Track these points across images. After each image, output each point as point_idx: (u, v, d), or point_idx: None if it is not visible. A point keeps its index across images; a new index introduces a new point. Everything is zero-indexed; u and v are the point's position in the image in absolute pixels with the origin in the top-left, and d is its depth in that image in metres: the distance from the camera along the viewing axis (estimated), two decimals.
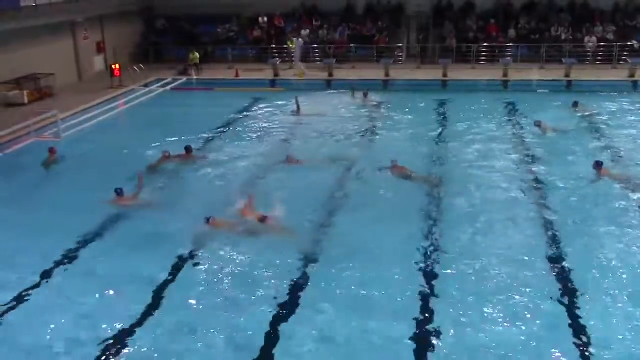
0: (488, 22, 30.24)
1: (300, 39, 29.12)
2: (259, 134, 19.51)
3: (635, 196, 13.70)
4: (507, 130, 19.30)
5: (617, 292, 9.94)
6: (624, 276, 10.43)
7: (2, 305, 9.87)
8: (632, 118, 20.36)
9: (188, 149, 16.66)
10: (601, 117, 20.25)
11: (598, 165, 14.71)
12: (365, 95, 23.09)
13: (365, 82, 25.98)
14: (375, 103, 22.85)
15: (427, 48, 29.90)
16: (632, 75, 25.22)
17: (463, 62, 28.49)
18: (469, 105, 22.40)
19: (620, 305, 9.59)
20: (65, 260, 11.43)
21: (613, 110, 21.26)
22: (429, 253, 11.39)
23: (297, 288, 10.31)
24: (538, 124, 18.55)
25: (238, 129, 20.14)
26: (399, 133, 19.28)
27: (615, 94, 23.46)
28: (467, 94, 24.23)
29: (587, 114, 20.48)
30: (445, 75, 26.39)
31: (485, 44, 28.98)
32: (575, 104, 20.90)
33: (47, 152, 16.70)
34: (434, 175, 15.34)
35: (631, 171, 15.22)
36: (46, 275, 10.90)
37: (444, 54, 28.45)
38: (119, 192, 13.50)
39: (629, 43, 27.64)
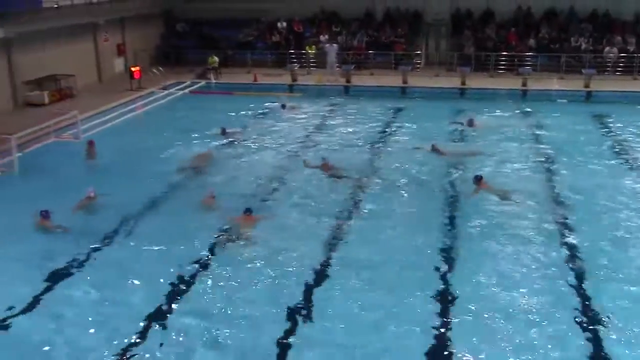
0: (508, 30, 30.12)
1: (334, 44, 28.86)
2: (273, 138, 19.64)
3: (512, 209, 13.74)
4: (522, 140, 19.24)
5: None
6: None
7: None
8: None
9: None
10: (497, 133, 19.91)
11: (477, 179, 14.63)
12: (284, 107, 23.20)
13: (383, 88, 26.10)
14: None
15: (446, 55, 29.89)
16: None
17: (482, 70, 28.37)
18: (486, 114, 22.27)
19: None
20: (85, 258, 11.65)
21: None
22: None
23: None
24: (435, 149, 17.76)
25: (254, 133, 20.27)
26: (414, 140, 19.24)
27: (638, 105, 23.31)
28: (485, 103, 24.08)
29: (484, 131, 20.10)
30: (463, 83, 26.30)
31: (504, 53, 28.85)
32: (471, 122, 20.50)
33: (87, 145, 17.63)
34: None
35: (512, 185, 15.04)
36: (61, 274, 11.09)
37: (463, 62, 28.34)
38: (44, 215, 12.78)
39: None
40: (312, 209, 13.90)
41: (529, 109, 22.98)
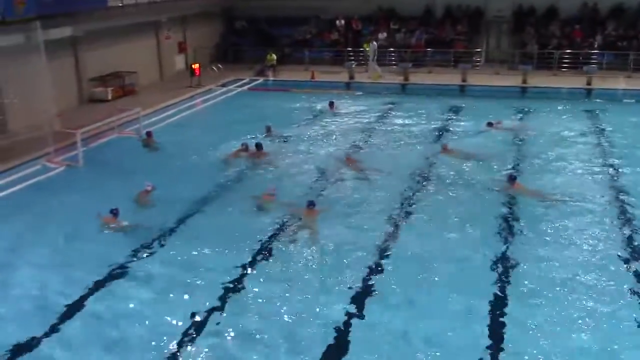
0: (573, 27, 29.24)
1: (374, 42, 28.81)
2: (323, 136, 19.64)
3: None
4: (585, 140, 18.69)
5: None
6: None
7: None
8: None
9: (258, 146, 17.30)
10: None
11: (511, 179, 14.40)
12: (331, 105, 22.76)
13: (441, 87, 25.74)
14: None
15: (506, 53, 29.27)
16: None
17: (544, 68, 27.66)
18: (548, 113, 21.73)
19: None
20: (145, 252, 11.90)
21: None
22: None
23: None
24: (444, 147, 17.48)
25: (311, 129, 20.31)
26: (472, 139, 18.93)
27: None
28: (547, 102, 23.44)
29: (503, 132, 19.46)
30: (524, 81, 25.68)
31: (568, 51, 28.03)
32: (490, 124, 19.69)
33: (145, 136, 18.80)
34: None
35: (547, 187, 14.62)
36: (120, 268, 11.33)
37: (524, 60, 27.68)
38: (114, 213, 12.92)
39: None
40: (364, 206, 13.87)
41: (592, 109, 22.25)
